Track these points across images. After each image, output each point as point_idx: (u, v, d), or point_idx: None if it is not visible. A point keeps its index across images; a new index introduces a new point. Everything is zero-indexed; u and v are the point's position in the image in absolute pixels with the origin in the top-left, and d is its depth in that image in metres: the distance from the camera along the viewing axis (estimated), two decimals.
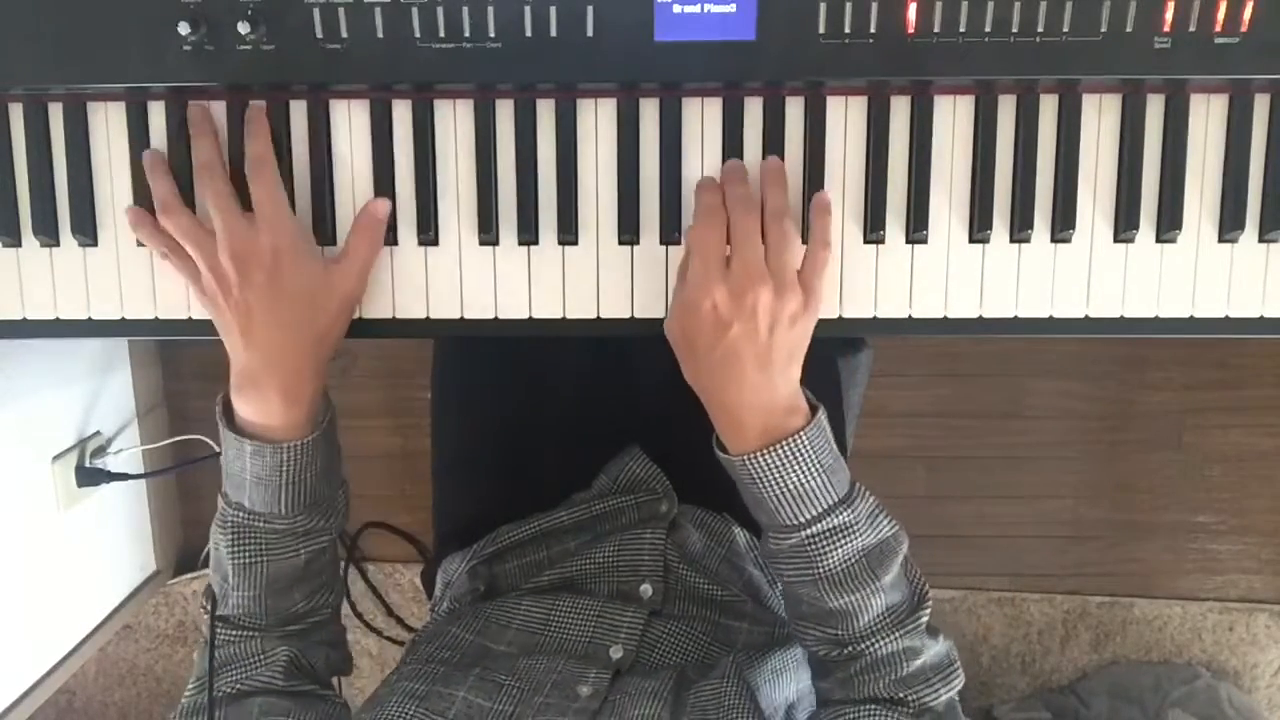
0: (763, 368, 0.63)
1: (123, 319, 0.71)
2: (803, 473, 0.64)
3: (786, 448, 0.64)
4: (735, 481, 0.68)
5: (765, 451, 0.64)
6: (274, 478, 0.68)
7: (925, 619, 0.68)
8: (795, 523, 0.65)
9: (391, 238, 0.69)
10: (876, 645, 0.66)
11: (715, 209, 0.65)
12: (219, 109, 0.68)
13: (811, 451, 0.64)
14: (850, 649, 0.67)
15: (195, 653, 0.71)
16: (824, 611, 0.67)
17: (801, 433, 0.64)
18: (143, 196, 0.68)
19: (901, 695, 0.66)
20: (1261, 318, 0.69)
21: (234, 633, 0.72)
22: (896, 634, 0.66)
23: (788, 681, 0.76)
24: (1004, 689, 1.79)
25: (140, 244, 0.70)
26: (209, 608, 0.72)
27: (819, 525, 0.65)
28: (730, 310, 0.63)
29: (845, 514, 0.65)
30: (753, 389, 0.64)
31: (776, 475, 0.64)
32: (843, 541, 0.65)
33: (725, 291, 0.63)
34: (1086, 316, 0.70)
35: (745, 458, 0.65)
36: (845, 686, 0.67)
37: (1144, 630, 1.75)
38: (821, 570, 0.66)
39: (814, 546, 0.65)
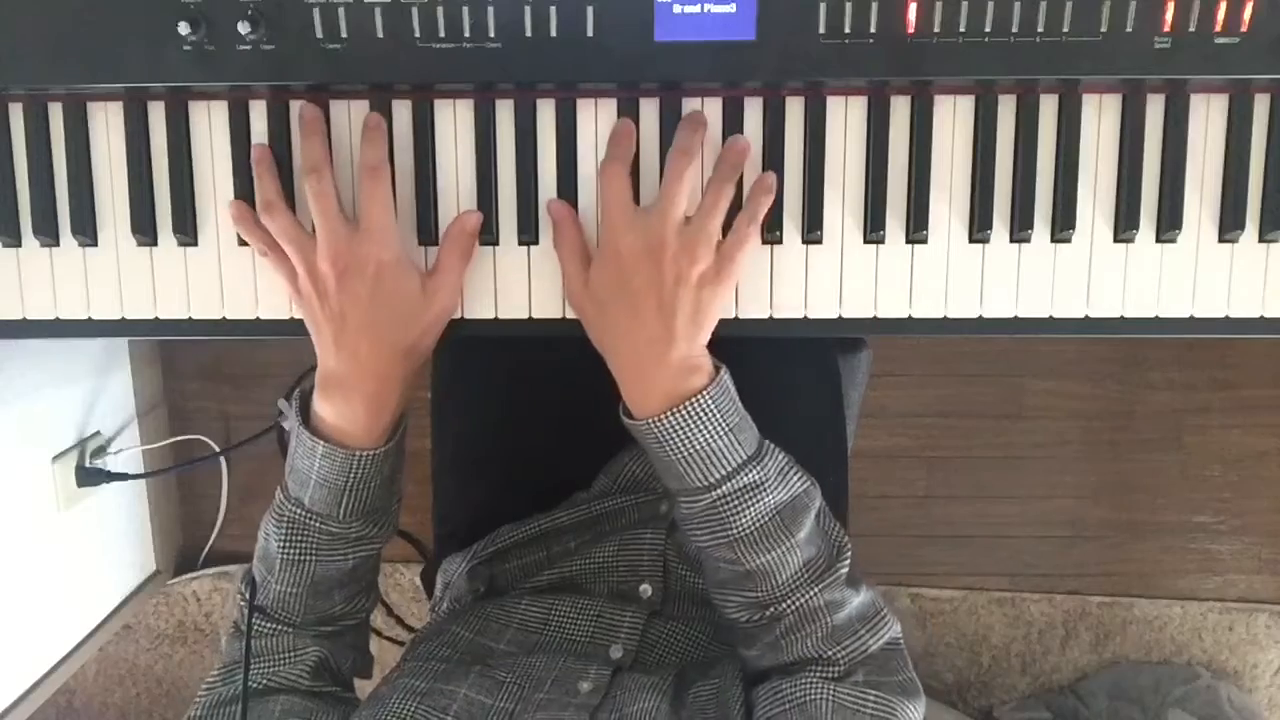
0: (664, 318, 0.63)
1: (123, 319, 0.71)
2: (708, 432, 0.64)
3: (690, 408, 0.63)
4: (643, 449, 0.67)
5: (669, 413, 0.63)
6: (340, 481, 0.68)
7: (844, 571, 0.67)
8: (704, 484, 0.64)
9: None
10: (797, 602, 0.65)
11: (625, 156, 0.66)
12: (218, 117, 0.68)
13: (716, 410, 0.64)
14: (772, 610, 0.66)
15: (222, 639, 0.71)
16: (741, 574, 0.66)
17: (705, 391, 0.64)
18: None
19: (830, 653, 0.65)
20: (1261, 318, 0.69)
21: (268, 625, 0.72)
22: (816, 588, 0.65)
23: None
24: (1004, 689, 1.79)
25: (140, 244, 0.70)
26: (247, 595, 0.72)
27: (729, 485, 0.64)
28: (636, 258, 0.63)
29: (755, 472, 0.65)
30: (652, 340, 0.64)
31: (682, 436, 0.64)
32: (754, 500, 0.64)
33: (635, 239, 0.63)
34: (1086, 316, 0.70)
35: (650, 421, 0.64)
36: (774, 650, 0.66)
37: (1144, 630, 1.75)
38: (735, 531, 0.65)
39: (726, 506, 0.65)
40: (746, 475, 0.64)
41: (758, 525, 0.65)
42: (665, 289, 0.63)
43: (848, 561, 0.67)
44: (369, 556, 0.74)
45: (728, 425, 0.64)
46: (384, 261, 0.64)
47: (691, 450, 0.64)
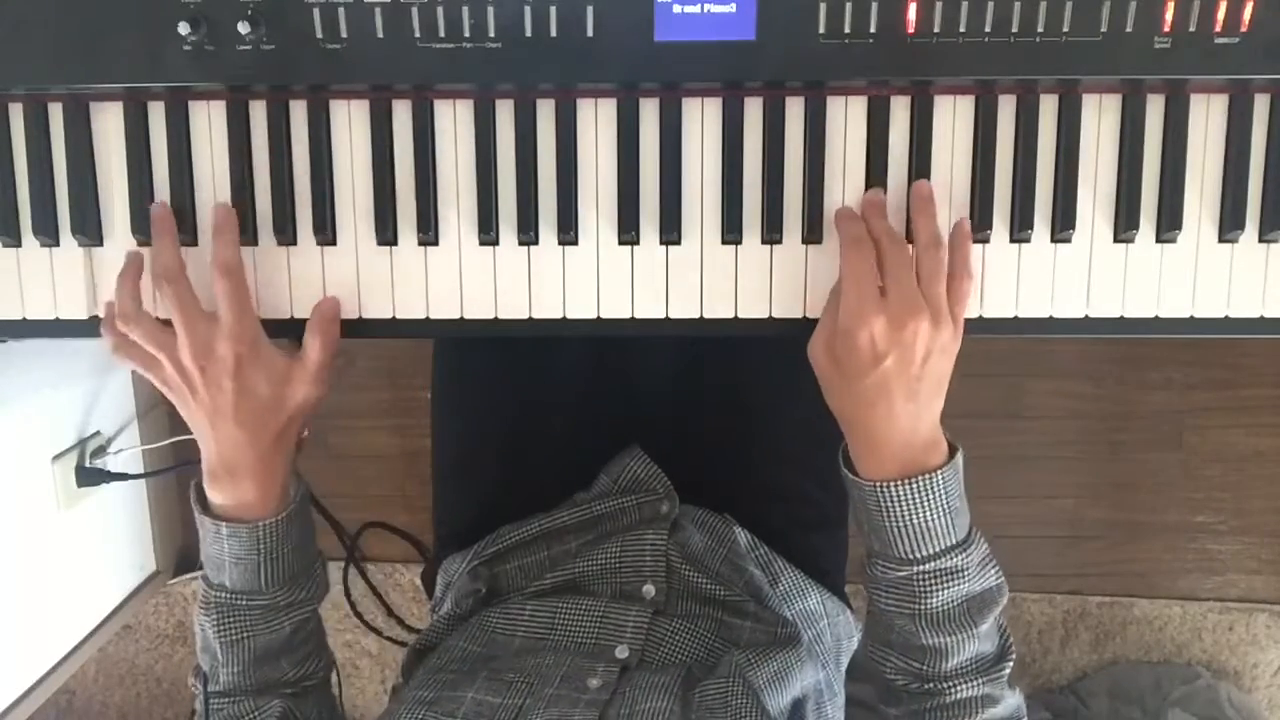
0: (911, 398, 0.63)
1: None
2: (930, 511, 0.64)
3: (921, 483, 0.63)
4: (855, 504, 0.67)
5: (900, 483, 0.63)
6: (251, 556, 0.69)
7: (1009, 671, 0.68)
8: (910, 558, 0.65)
9: (391, 238, 0.69)
10: (958, 689, 0.66)
11: (863, 238, 0.64)
12: (218, 117, 0.68)
13: (944, 492, 0.64)
14: (932, 685, 0.66)
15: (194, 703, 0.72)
16: (914, 646, 0.67)
17: (939, 471, 0.64)
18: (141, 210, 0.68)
19: None
20: (1261, 318, 0.69)
21: (226, 700, 0.73)
22: (980, 680, 0.66)
23: (793, 681, 0.76)
24: None
25: (140, 244, 0.70)
26: (201, 687, 0.74)
27: (932, 564, 0.64)
28: (887, 341, 0.62)
29: (959, 558, 0.65)
30: (899, 420, 0.64)
31: (905, 509, 0.64)
32: (951, 584, 0.65)
33: (884, 322, 0.62)
34: (1086, 316, 0.70)
35: (878, 485, 0.64)
36: (914, 718, 0.67)
37: (1144, 630, 1.75)
38: (923, 608, 0.65)
39: (921, 584, 0.65)
40: (952, 559, 0.65)
41: (946, 609, 0.65)
42: (914, 370, 0.63)
43: (1012, 662, 0.68)
44: (306, 619, 0.75)
45: (950, 507, 0.65)
46: (242, 356, 0.65)
47: (909, 523, 0.64)
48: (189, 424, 0.69)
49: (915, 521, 0.64)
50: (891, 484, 0.64)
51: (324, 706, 0.78)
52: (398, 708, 0.67)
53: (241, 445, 0.67)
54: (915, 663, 0.67)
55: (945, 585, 0.65)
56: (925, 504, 0.64)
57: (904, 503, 0.64)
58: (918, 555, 0.64)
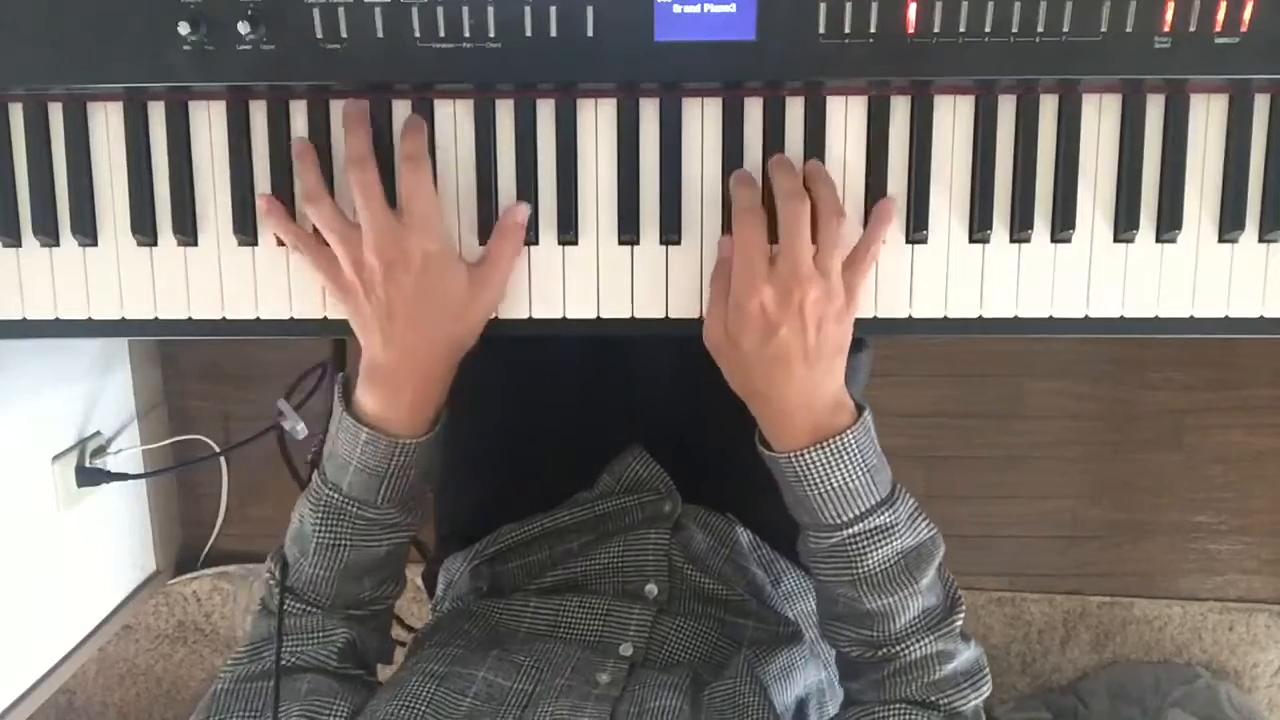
0: (811, 365, 0.63)
1: (123, 319, 0.71)
2: (847, 472, 0.64)
3: (833, 446, 0.64)
4: (777, 480, 0.68)
5: (812, 449, 0.64)
6: (381, 468, 0.68)
7: (959, 623, 0.68)
8: (837, 522, 0.65)
9: None
10: (911, 648, 0.66)
11: (754, 209, 0.65)
12: (218, 117, 0.68)
13: (857, 450, 0.64)
14: (884, 651, 0.67)
15: (246, 619, 0.71)
16: (860, 613, 0.67)
17: (849, 430, 0.64)
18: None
19: (933, 699, 0.66)
20: (1261, 318, 0.69)
21: (298, 605, 0.72)
22: (931, 637, 0.66)
23: (797, 679, 0.76)
24: (1004, 689, 1.79)
25: (140, 244, 0.70)
26: (277, 575, 0.72)
27: (860, 525, 0.65)
28: (778, 310, 0.62)
29: (887, 514, 0.65)
30: (800, 387, 0.64)
31: (822, 473, 0.64)
32: (883, 542, 0.65)
33: (773, 291, 0.62)
34: (1086, 316, 0.70)
35: (791, 455, 0.65)
36: (877, 688, 0.67)
37: (1144, 630, 1.75)
38: (860, 571, 0.65)
39: (854, 546, 0.65)
40: (879, 517, 0.65)
41: (883, 568, 0.65)
42: (810, 334, 0.63)
43: (962, 614, 0.68)
44: (401, 544, 0.74)
45: (867, 466, 0.65)
46: (430, 253, 0.64)
47: (829, 488, 0.64)
48: (355, 324, 0.66)
49: (835, 484, 0.64)
50: (805, 451, 0.64)
51: (383, 632, 0.78)
52: (408, 677, 0.66)
53: (410, 353, 0.65)
54: (865, 630, 0.67)
55: (878, 544, 0.65)
56: (841, 465, 0.64)
57: (820, 467, 0.64)
58: (844, 518, 0.65)
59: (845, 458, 0.64)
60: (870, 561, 0.65)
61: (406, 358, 0.66)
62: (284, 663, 0.69)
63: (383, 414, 0.67)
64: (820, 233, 0.64)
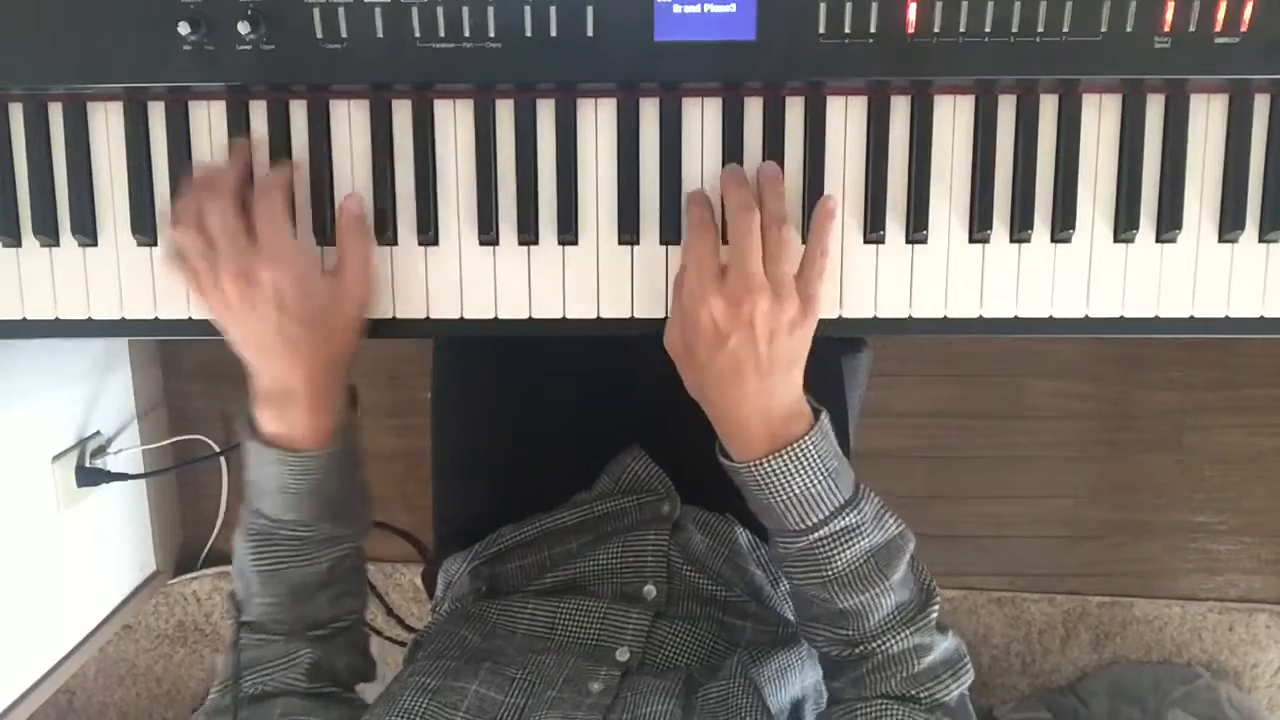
0: (763, 376, 0.64)
1: (123, 319, 0.71)
2: (808, 478, 0.64)
3: (791, 453, 0.64)
4: (740, 488, 0.68)
5: (770, 458, 0.64)
6: (298, 485, 0.69)
7: (934, 615, 0.68)
8: (802, 527, 0.65)
9: (392, 237, 0.69)
10: (887, 644, 0.66)
11: (706, 222, 0.65)
12: (218, 117, 0.68)
13: (816, 456, 0.64)
14: (862, 648, 0.67)
15: (218, 657, 0.72)
16: (834, 612, 0.67)
17: (806, 438, 0.64)
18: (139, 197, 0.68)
19: (914, 692, 0.66)
20: (1261, 318, 0.69)
21: (258, 636, 0.73)
22: (907, 631, 0.66)
23: (793, 680, 0.76)
24: (1004, 689, 1.79)
25: (140, 244, 0.70)
26: (235, 613, 0.73)
27: (826, 528, 0.65)
28: (728, 321, 0.63)
29: (851, 516, 0.65)
30: (754, 397, 0.64)
31: (782, 481, 0.64)
32: (850, 543, 0.65)
33: (722, 302, 0.63)
34: (1086, 316, 0.70)
35: (750, 464, 0.65)
36: (857, 685, 0.67)
37: (1144, 630, 1.75)
38: (830, 572, 0.66)
39: (822, 549, 0.65)
40: (844, 519, 0.65)
41: (853, 568, 0.66)
42: (761, 345, 0.63)
43: (937, 607, 0.68)
44: (344, 556, 0.74)
45: (827, 470, 0.65)
46: (281, 282, 0.64)
47: (790, 495, 0.64)
48: (237, 350, 0.67)
49: (796, 491, 0.64)
50: (763, 460, 0.64)
51: (354, 652, 0.78)
52: (400, 690, 0.67)
53: (292, 373, 0.66)
54: (841, 629, 0.68)
55: (845, 545, 0.65)
56: (800, 472, 0.64)
57: (780, 475, 0.64)
58: (809, 523, 0.65)
59: (804, 464, 0.64)
60: (839, 563, 0.65)
61: (287, 377, 0.66)
62: (254, 690, 0.71)
63: (286, 432, 0.68)
64: (766, 241, 0.64)
